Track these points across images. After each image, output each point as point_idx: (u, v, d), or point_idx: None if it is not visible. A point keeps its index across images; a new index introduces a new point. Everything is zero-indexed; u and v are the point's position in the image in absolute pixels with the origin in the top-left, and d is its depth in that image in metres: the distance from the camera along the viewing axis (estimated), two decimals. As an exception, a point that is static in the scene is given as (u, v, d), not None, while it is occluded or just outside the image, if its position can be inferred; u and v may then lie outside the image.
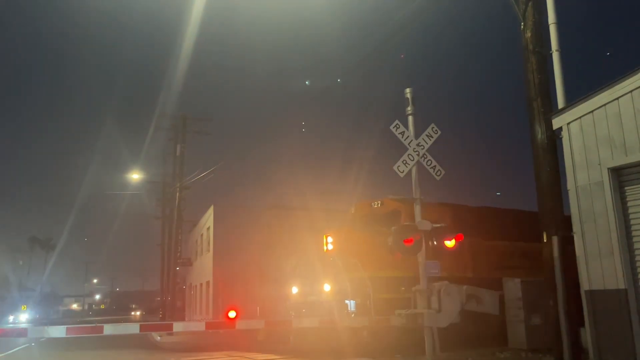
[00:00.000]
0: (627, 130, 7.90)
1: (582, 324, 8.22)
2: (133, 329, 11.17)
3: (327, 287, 12.43)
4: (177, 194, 27.53)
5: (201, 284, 33.68)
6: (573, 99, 8.77)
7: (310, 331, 11.61)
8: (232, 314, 15.47)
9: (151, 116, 29.01)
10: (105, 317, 70.05)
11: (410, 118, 10.83)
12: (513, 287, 12.14)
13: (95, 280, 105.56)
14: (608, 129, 8.13)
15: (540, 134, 9.02)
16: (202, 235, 34.05)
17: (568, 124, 8.66)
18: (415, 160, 10.57)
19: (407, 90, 10.87)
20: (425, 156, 10.65)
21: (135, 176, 32.01)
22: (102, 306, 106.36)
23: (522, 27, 9.39)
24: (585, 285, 8.15)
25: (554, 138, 8.97)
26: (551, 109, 9.05)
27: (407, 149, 10.59)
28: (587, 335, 8.10)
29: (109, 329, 10.38)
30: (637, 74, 7.84)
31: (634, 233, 7.85)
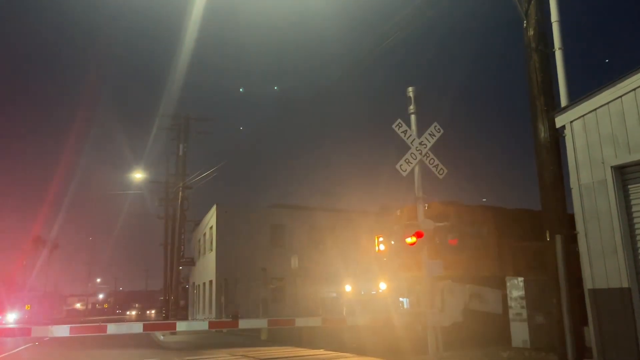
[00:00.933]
0: (630, 129, 7.87)
1: (586, 323, 8.20)
2: (136, 328, 11.21)
3: (383, 286, 13.10)
4: (180, 193, 27.59)
5: (204, 283, 33.74)
6: (576, 97, 8.74)
7: (364, 327, 12.11)
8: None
9: (155, 117, 29.09)
10: (100, 317, 70.15)
11: (412, 117, 10.81)
12: (516, 285, 12.12)
13: (98, 280, 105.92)
14: (611, 127, 8.10)
15: (543, 132, 8.99)
16: (205, 234, 34.10)
17: (571, 122, 8.62)
18: (418, 159, 10.55)
19: (410, 89, 10.84)
20: (427, 155, 10.64)
21: (138, 175, 32.07)
22: (106, 305, 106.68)
23: (524, 25, 9.36)
24: (588, 284, 8.13)
25: (557, 136, 8.93)
26: (554, 107, 9.01)
27: (409, 148, 10.58)
28: (590, 334, 8.07)
29: (112, 329, 10.39)
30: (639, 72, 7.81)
31: (637, 232, 7.81)
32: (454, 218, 13.35)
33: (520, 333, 11.81)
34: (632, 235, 7.84)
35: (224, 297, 28.45)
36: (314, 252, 29.63)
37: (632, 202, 7.92)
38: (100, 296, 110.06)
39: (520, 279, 12.09)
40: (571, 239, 8.54)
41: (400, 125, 10.65)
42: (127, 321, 43.98)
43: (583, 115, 8.47)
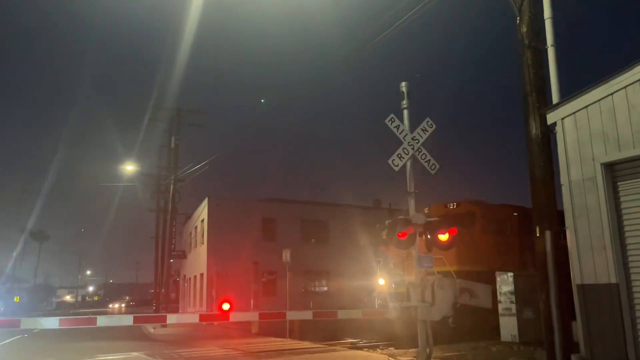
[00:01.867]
0: (620, 126, 7.92)
1: (574, 318, 8.28)
2: (127, 320, 11.19)
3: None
4: (172, 186, 27.50)
5: (195, 276, 33.70)
6: (568, 94, 8.79)
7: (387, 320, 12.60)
8: (225, 306, 15.68)
9: (146, 109, 28.91)
10: (85, 310, 69.87)
11: (405, 112, 10.81)
12: (506, 280, 12.23)
13: (88, 272, 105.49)
14: (602, 125, 8.15)
15: (534, 129, 9.03)
16: (196, 227, 34.03)
17: (562, 119, 8.67)
18: (410, 154, 10.56)
19: (403, 83, 10.83)
20: (420, 150, 10.66)
21: (129, 168, 31.92)
22: (96, 298, 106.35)
23: (518, 21, 9.38)
24: (577, 280, 8.21)
25: (548, 133, 8.97)
26: (546, 104, 9.05)
27: (402, 143, 10.59)
28: (578, 329, 8.16)
29: (102, 321, 10.37)
30: (631, 69, 7.84)
31: (626, 228, 7.89)
32: (480, 217, 14.28)
33: (509, 327, 11.93)
34: (621, 232, 7.92)
35: (215, 290, 28.43)
36: (306, 246, 29.69)
37: (622, 199, 7.99)
38: (91, 288, 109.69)
39: (510, 274, 12.20)
40: (561, 235, 8.62)
41: (392, 120, 10.65)
42: (110, 314, 43.74)
43: (574, 113, 8.52)
